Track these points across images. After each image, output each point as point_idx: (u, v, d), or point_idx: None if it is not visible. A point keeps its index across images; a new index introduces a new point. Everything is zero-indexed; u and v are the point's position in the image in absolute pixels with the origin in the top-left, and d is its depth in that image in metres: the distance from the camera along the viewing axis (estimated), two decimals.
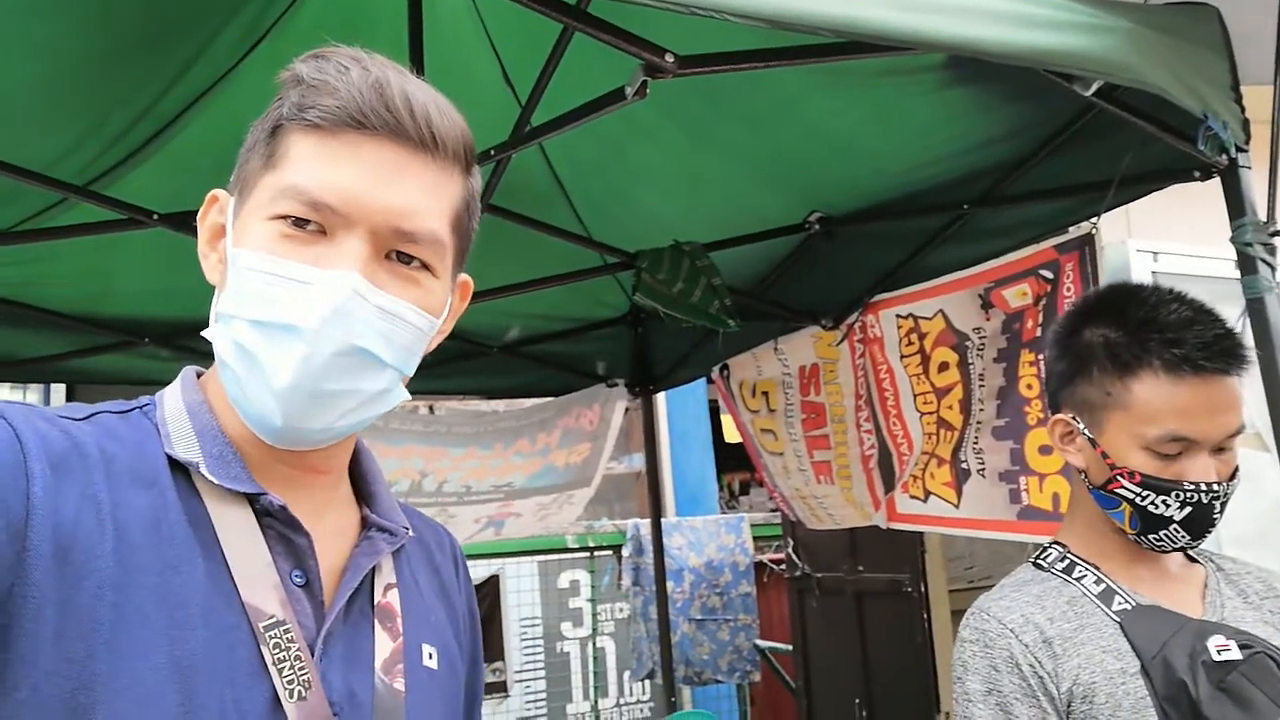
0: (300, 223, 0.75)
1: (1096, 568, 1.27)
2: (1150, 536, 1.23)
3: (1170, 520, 1.19)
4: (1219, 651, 1.14)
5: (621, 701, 5.58)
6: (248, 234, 0.77)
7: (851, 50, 1.45)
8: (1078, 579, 1.26)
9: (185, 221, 2.05)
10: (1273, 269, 1.74)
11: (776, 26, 1.16)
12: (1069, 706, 1.18)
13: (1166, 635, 1.17)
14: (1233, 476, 1.21)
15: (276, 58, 1.84)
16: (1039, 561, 1.33)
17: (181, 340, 2.98)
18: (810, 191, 2.50)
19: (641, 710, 5.61)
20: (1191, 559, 1.33)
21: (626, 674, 5.47)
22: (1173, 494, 1.18)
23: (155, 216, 2.05)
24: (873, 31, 1.20)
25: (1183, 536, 1.21)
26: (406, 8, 1.76)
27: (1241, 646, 1.15)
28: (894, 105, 2.01)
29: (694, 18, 1.11)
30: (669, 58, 1.32)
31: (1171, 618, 1.20)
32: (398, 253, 0.77)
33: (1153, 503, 1.19)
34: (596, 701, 5.45)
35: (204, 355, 3.08)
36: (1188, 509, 1.18)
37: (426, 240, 0.78)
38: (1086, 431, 1.26)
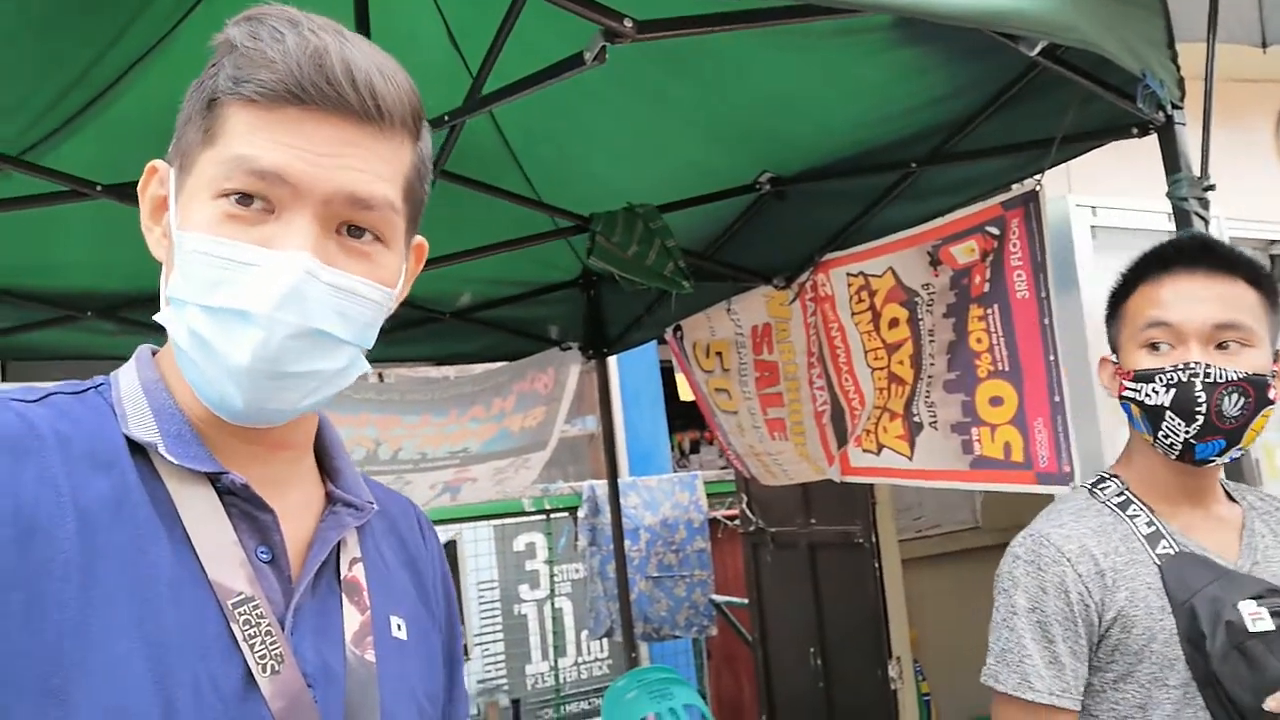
0: (245, 200, 0.73)
1: (1151, 509, 1.35)
2: (1159, 436, 1.31)
3: (1163, 409, 1.28)
4: (1254, 620, 1.23)
5: (580, 660, 5.66)
6: (192, 214, 0.74)
7: (805, 13, 1.46)
8: (1131, 517, 1.35)
9: (129, 193, 1.98)
10: (1206, 222, 1.81)
11: None
12: (1107, 631, 1.29)
13: (1198, 586, 1.27)
14: (1254, 378, 1.25)
15: (216, 19, 1.80)
16: (1095, 491, 1.41)
17: (126, 313, 2.91)
18: (761, 152, 2.52)
19: (600, 668, 5.70)
20: (1231, 499, 1.42)
21: (584, 633, 5.54)
22: (1157, 378, 1.29)
23: (99, 188, 1.99)
24: None
25: (1179, 424, 1.28)
26: None
27: (1273, 614, 1.24)
28: (843, 65, 2.03)
29: None
30: (628, 23, 1.33)
31: (1208, 568, 1.29)
32: (349, 226, 0.75)
33: (1146, 394, 1.30)
34: (556, 661, 5.52)
35: (149, 328, 3.02)
36: (1172, 391, 1.28)
37: (380, 206, 0.76)
38: (1114, 358, 1.41)
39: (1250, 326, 1.29)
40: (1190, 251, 1.34)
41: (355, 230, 0.76)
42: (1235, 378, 1.25)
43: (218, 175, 0.73)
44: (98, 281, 2.78)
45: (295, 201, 0.73)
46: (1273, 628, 1.23)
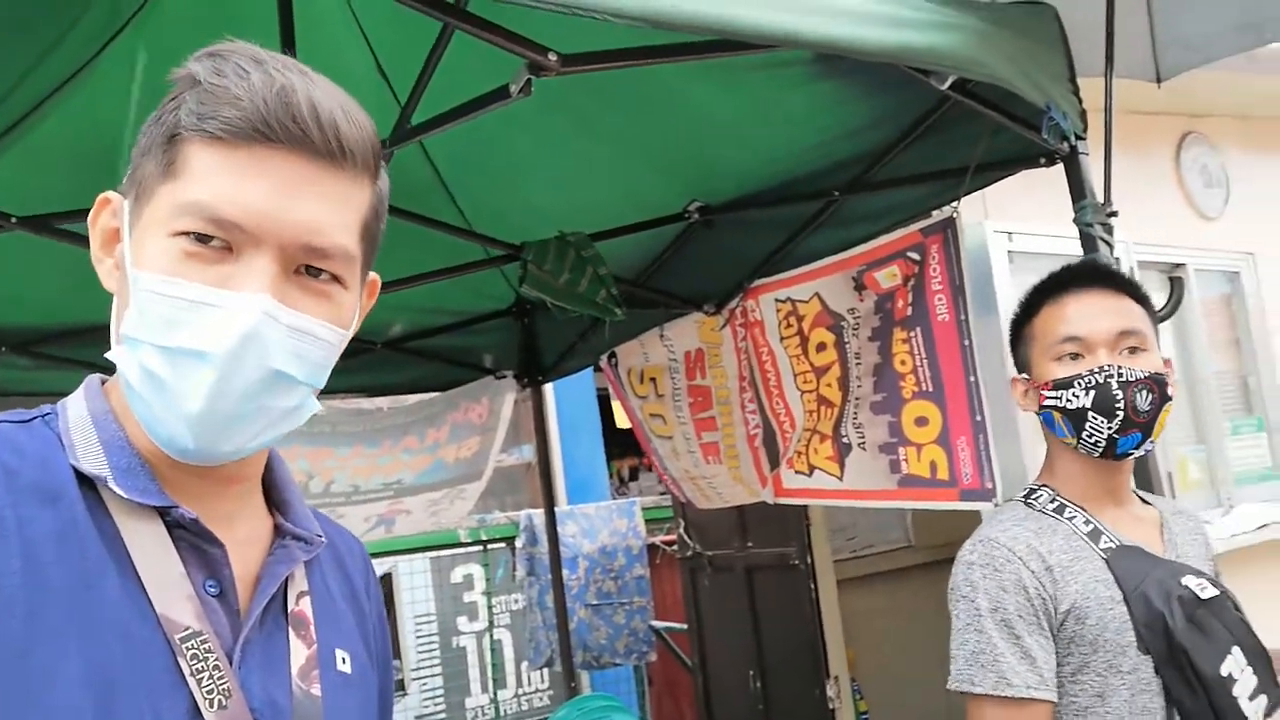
0: (204, 239, 0.73)
1: (1084, 509, 1.45)
2: (1083, 436, 1.41)
3: (1086, 411, 1.40)
4: (1201, 590, 1.36)
5: (520, 692, 5.59)
6: (148, 250, 0.74)
7: (726, 47, 1.51)
8: (1069, 519, 1.45)
9: (46, 224, 1.94)
10: (1111, 246, 1.91)
11: (655, 26, 1.21)
12: (1062, 624, 1.38)
13: (1145, 573, 1.37)
14: (1156, 376, 1.41)
15: (139, 49, 1.75)
16: (1029, 500, 1.50)
17: (42, 348, 2.81)
18: (690, 180, 2.57)
19: (541, 699, 5.63)
20: (1145, 502, 1.55)
21: (524, 664, 5.48)
22: (1075, 383, 1.41)
23: (14, 219, 1.94)
24: (747, 31, 1.26)
25: (1102, 422, 1.39)
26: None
27: (1213, 584, 1.37)
28: (768, 97, 2.09)
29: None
30: (552, 56, 1.35)
31: (1147, 557, 1.41)
32: (307, 266, 0.76)
33: (1067, 399, 1.41)
34: (495, 693, 5.44)
35: (66, 363, 2.94)
36: (1091, 392, 1.39)
37: (337, 255, 0.77)
38: (1025, 375, 1.52)
39: (1144, 333, 1.45)
40: (1084, 274, 1.50)
41: (314, 270, 0.76)
42: (1143, 376, 1.40)
43: (176, 215, 0.73)
44: (11, 316, 2.68)
45: (254, 245, 0.73)
46: (1218, 593, 1.36)
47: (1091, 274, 1.50)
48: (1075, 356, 1.43)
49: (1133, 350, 1.43)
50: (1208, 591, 1.36)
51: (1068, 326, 1.45)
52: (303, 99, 0.73)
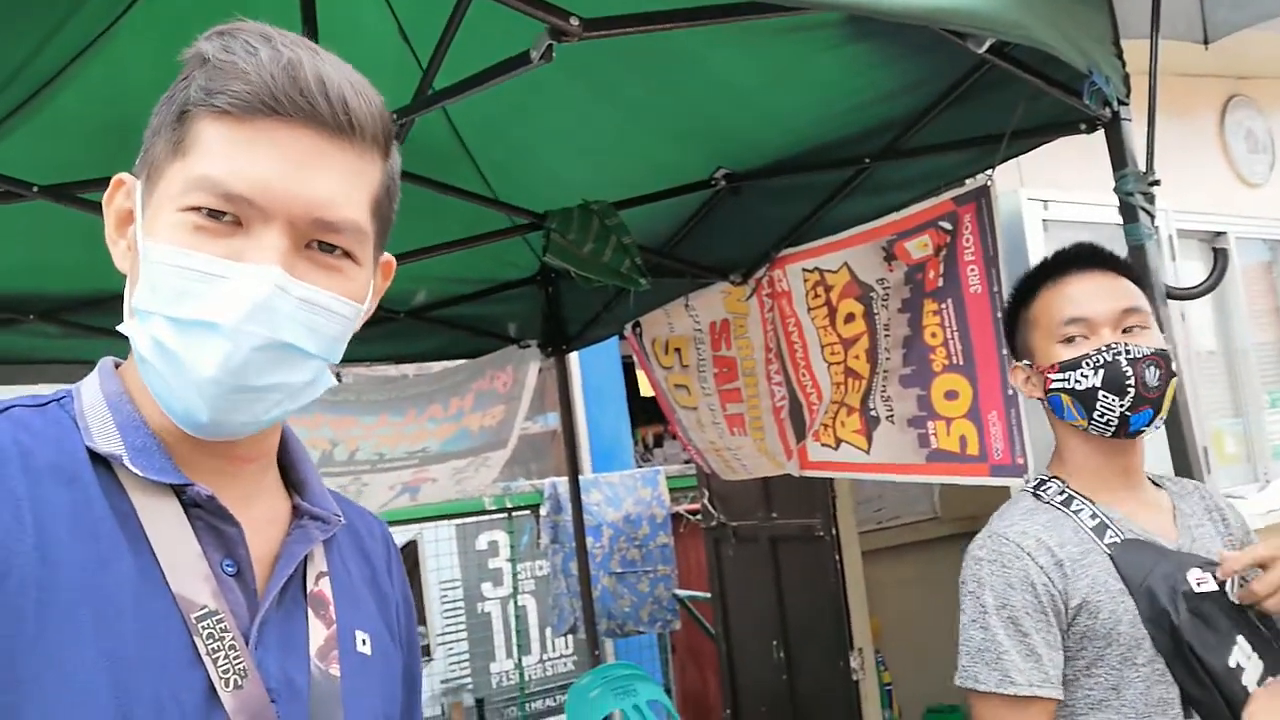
0: (215, 214, 0.72)
1: (1092, 501, 1.43)
2: (1095, 417, 1.39)
3: (1096, 390, 1.38)
4: (1198, 584, 1.33)
5: (545, 657, 5.65)
6: (159, 225, 0.74)
7: (752, 10, 1.46)
8: (1075, 512, 1.43)
9: (67, 193, 1.94)
10: (1152, 217, 1.84)
11: None
12: (1074, 619, 1.35)
13: (1149, 568, 1.35)
14: (1161, 352, 1.40)
15: (155, 17, 1.72)
16: (1038, 492, 1.48)
17: (69, 316, 2.83)
18: (716, 148, 2.51)
19: (565, 664, 5.69)
20: (1155, 484, 1.53)
21: (548, 630, 5.53)
22: (1084, 363, 1.40)
23: (35, 188, 1.93)
24: None
25: (1113, 400, 1.37)
26: None
27: (1214, 578, 1.34)
28: (796, 61, 2.03)
29: None
30: (574, 21, 1.31)
31: (1153, 550, 1.38)
32: (319, 242, 0.76)
33: (1075, 380, 1.39)
34: (520, 659, 5.50)
35: (94, 331, 2.95)
36: (1100, 371, 1.38)
37: (347, 230, 0.76)
38: (1026, 362, 1.50)
39: (1145, 311, 1.44)
40: (1082, 257, 1.48)
41: (326, 246, 0.76)
42: (1149, 352, 1.39)
43: (186, 190, 0.73)
44: (38, 284, 2.70)
45: (263, 220, 0.73)
46: (1216, 588, 1.34)
47: (1090, 257, 1.48)
48: (1079, 338, 1.42)
49: (1136, 329, 1.42)
50: (1208, 585, 1.34)
51: (1072, 308, 1.43)
52: (310, 73, 0.73)
